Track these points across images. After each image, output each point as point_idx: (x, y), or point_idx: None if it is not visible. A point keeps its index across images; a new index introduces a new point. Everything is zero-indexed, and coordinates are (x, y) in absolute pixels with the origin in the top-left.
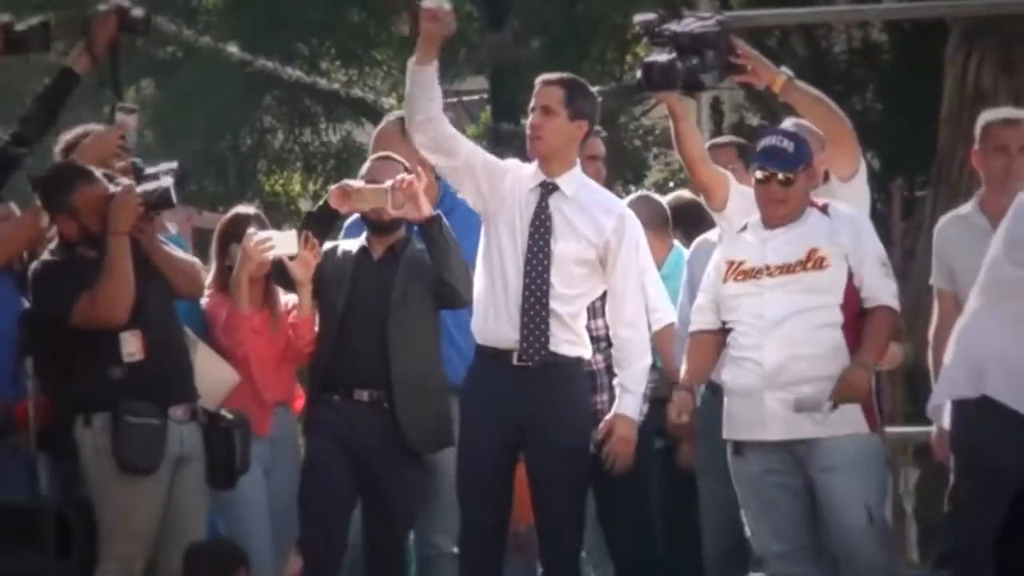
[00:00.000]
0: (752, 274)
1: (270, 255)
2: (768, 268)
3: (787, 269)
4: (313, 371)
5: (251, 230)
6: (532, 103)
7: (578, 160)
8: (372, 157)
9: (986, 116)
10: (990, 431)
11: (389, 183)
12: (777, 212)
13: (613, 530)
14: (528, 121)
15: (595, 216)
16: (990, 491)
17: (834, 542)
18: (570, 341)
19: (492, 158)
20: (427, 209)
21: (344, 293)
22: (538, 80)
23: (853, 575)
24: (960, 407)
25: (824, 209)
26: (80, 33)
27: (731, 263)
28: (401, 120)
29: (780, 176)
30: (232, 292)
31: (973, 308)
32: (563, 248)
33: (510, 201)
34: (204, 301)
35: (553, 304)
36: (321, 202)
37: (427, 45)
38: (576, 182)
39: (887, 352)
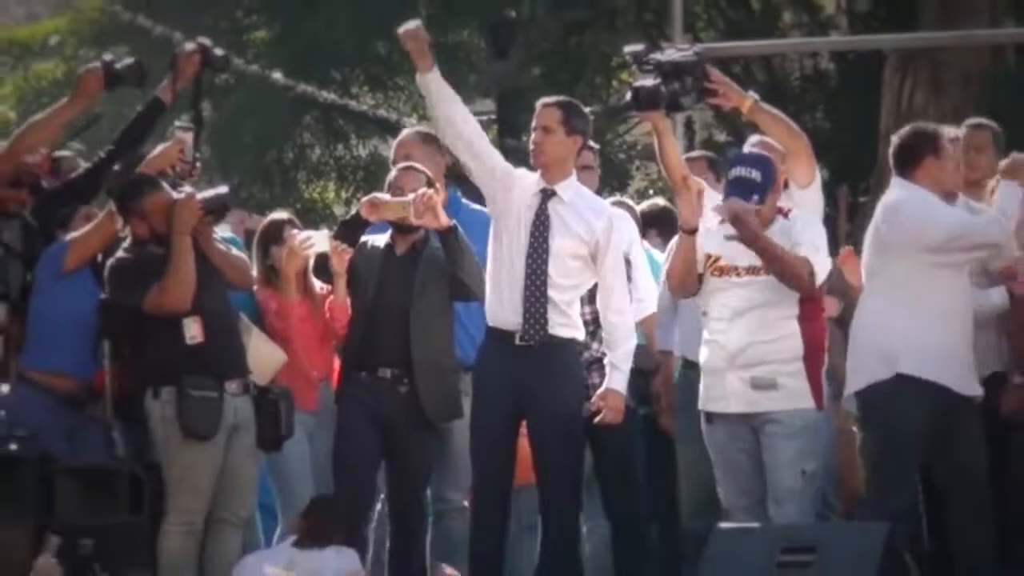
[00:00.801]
0: (725, 271)
1: (311, 251)
2: (737, 269)
3: (753, 271)
4: (345, 351)
5: (294, 231)
6: (534, 122)
7: (574, 170)
8: (398, 167)
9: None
10: (906, 403)
11: (411, 196)
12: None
13: (606, 485)
14: (531, 138)
15: (587, 218)
16: (904, 454)
17: (770, 495)
18: (565, 324)
19: (508, 167)
20: (444, 219)
21: (373, 284)
22: (538, 103)
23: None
24: (875, 388)
25: (786, 215)
26: (168, 68)
27: (709, 256)
28: (418, 132)
29: (753, 203)
30: (277, 284)
31: (868, 303)
32: (560, 244)
33: (516, 205)
34: (256, 291)
35: (551, 293)
36: (353, 211)
37: (416, 57)
38: (572, 189)
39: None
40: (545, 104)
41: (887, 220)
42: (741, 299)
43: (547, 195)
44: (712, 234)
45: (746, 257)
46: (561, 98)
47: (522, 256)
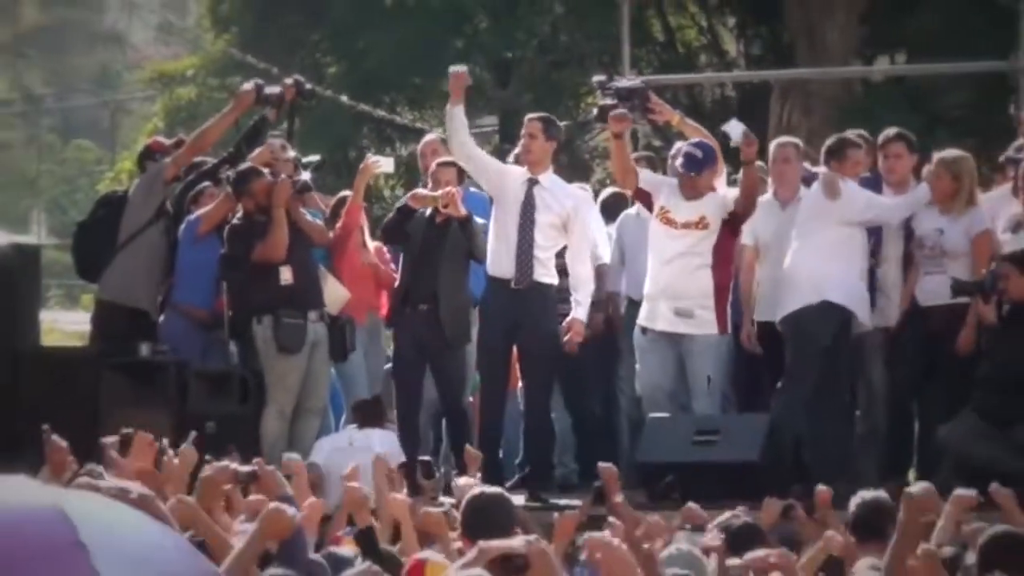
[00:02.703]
0: (669, 223)
1: (379, 170)
2: (676, 223)
3: (686, 226)
4: (395, 291)
5: (369, 155)
6: (522, 132)
7: (551, 165)
8: (436, 162)
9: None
10: (827, 323)
11: (440, 192)
12: (688, 193)
13: (568, 388)
14: (521, 143)
15: (561, 199)
16: (814, 356)
17: (689, 393)
18: (545, 274)
19: (500, 167)
20: (462, 211)
21: (418, 244)
22: (526, 118)
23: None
24: (806, 308)
25: (715, 189)
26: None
27: (662, 208)
28: (439, 137)
29: (692, 174)
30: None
31: (804, 254)
32: (542, 218)
33: (510, 190)
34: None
35: (536, 252)
36: (400, 202)
37: (453, 92)
38: (550, 178)
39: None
40: (530, 119)
41: (818, 197)
42: (675, 247)
43: (532, 183)
44: (669, 189)
45: (685, 214)
46: (542, 114)
47: (515, 226)
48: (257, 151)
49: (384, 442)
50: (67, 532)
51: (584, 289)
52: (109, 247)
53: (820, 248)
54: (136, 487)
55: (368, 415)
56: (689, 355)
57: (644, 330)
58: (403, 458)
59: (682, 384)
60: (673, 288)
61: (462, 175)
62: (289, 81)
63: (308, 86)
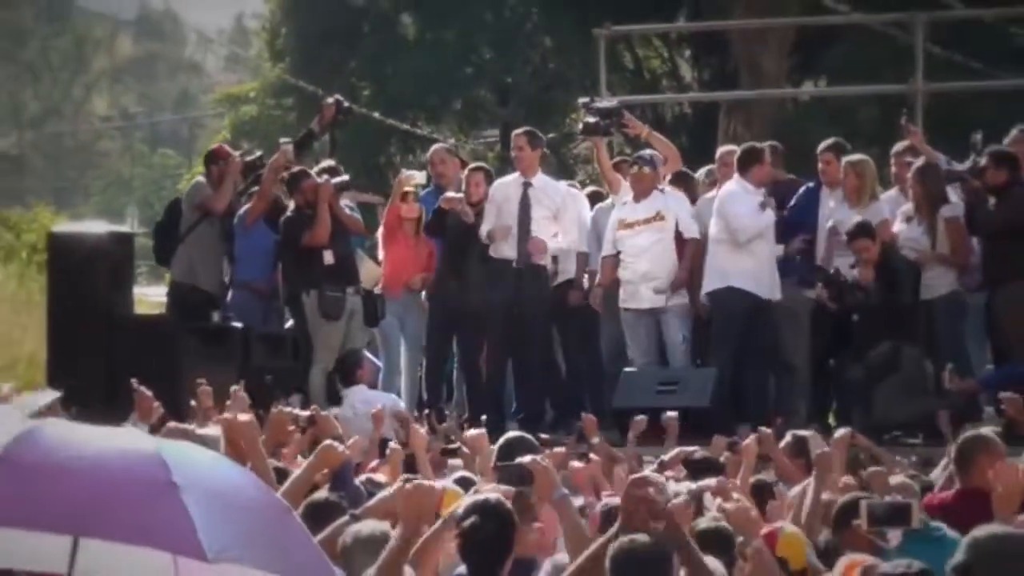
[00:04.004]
0: (631, 226)
1: (412, 183)
2: (636, 223)
3: (645, 222)
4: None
5: (403, 171)
6: (512, 145)
7: (540, 169)
8: (468, 168)
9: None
10: (733, 303)
11: (460, 195)
12: (639, 194)
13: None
14: (512, 154)
15: (551, 195)
16: (730, 330)
17: (668, 352)
18: (540, 255)
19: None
20: (471, 217)
21: (454, 231)
22: (513, 134)
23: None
24: (716, 291)
25: (662, 191)
26: (317, 111)
27: (621, 220)
28: (445, 147)
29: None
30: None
31: (715, 250)
32: (536, 212)
33: (508, 194)
34: (380, 232)
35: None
36: (436, 205)
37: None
38: (541, 179)
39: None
40: (516, 134)
41: (721, 205)
42: (642, 241)
43: (526, 185)
44: (624, 206)
45: (638, 213)
46: (525, 129)
47: (515, 220)
48: (274, 156)
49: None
50: (162, 473)
51: (571, 259)
52: (174, 241)
53: (724, 243)
54: (216, 431)
55: (346, 367)
56: (667, 324)
57: (627, 309)
58: (401, 405)
59: (653, 345)
60: (649, 273)
61: (490, 177)
62: (330, 100)
63: (346, 104)
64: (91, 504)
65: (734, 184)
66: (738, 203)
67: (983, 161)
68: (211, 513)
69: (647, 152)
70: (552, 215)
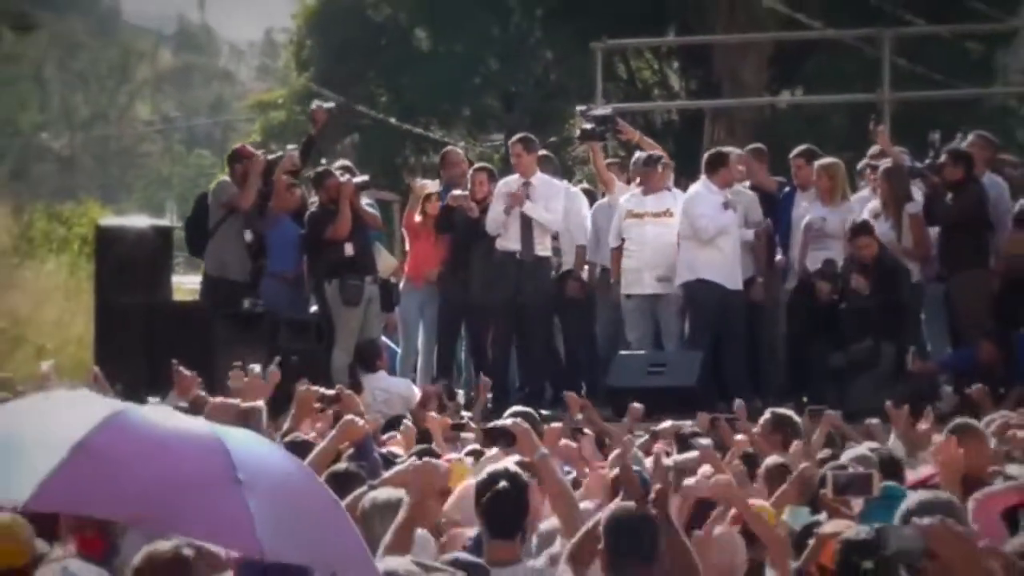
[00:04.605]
0: (639, 216)
1: (426, 191)
2: (645, 214)
3: (654, 215)
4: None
5: (416, 178)
6: (511, 151)
7: (538, 168)
8: (473, 168)
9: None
10: (704, 294)
11: (466, 192)
12: (650, 189)
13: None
14: (512, 160)
15: (550, 192)
16: (707, 317)
17: (663, 336)
18: (542, 247)
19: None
20: (476, 212)
21: (461, 226)
22: (510, 141)
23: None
24: (688, 282)
25: (670, 189)
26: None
27: (629, 210)
28: (455, 150)
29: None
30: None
31: (685, 245)
32: (537, 207)
33: (512, 189)
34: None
35: (535, 232)
36: (444, 202)
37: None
38: (539, 177)
39: None
40: (512, 142)
41: (687, 205)
42: (649, 231)
43: (526, 184)
44: (632, 198)
45: (647, 206)
46: (521, 135)
47: (517, 215)
48: (283, 159)
49: (408, 391)
50: (228, 469)
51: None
52: (203, 232)
53: (693, 240)
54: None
55: (365, 355)
56: (666, 311)
57: (629, 296)
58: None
59: (651, 329)
60: (652, 261)
61: (493, 176)
62: (314, 106)
63: (326, 106)
64: (158, 496)
65: (700, 186)
66: (701, 203)
67: (943, 158)
68: (272, 509)
69: (657, 153)
70: (545, 205)
